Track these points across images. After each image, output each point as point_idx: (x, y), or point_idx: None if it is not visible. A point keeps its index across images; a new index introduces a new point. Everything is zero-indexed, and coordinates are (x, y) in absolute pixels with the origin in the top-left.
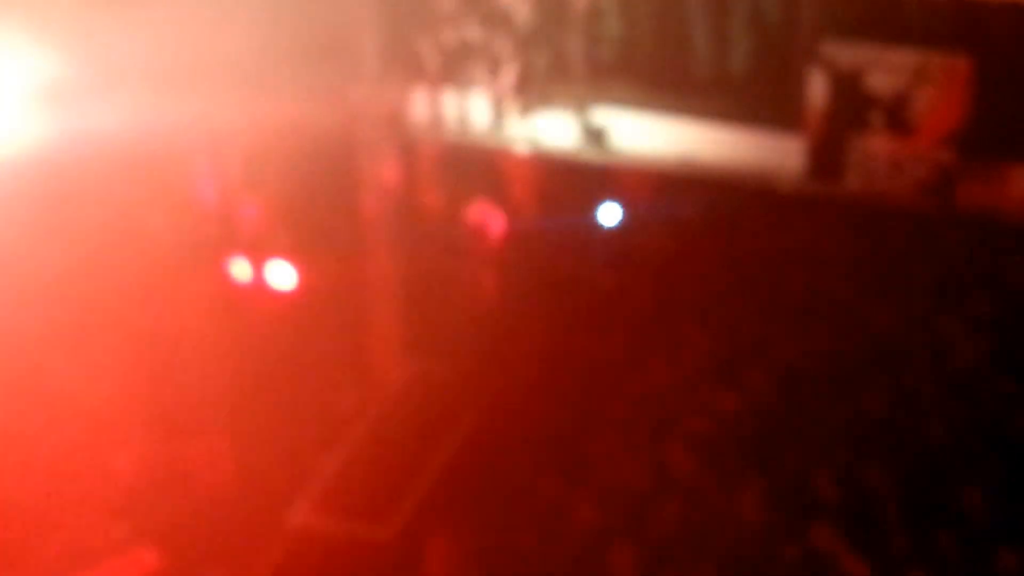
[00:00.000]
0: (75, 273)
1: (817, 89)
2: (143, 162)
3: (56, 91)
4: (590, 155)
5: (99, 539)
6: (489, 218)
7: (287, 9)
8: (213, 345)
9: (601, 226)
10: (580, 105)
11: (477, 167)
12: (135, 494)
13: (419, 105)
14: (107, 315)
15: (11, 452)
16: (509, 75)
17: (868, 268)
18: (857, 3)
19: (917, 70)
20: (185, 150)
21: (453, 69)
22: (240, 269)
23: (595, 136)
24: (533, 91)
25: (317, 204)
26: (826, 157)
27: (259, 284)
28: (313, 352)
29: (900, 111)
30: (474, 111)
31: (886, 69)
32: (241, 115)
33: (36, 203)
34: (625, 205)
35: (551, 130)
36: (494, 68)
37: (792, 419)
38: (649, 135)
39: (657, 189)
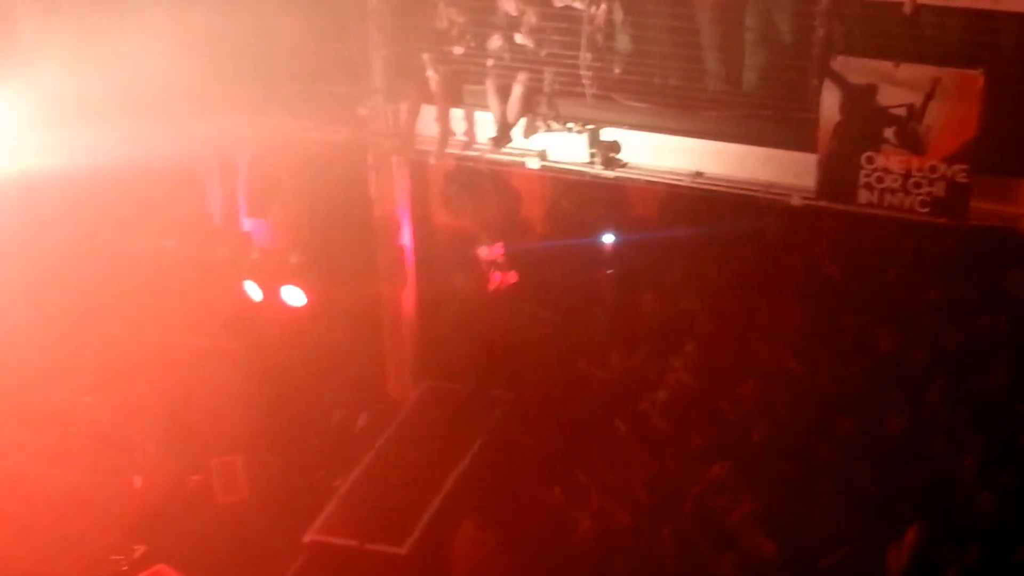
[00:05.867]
0: (89, 294)
1: (829, 105)
2: (154, 182)
3: (70, 111)
4: (600, 172)
5: (118, 559)
6: (499, 235)
7: (294, 27)
8: (228, 364)
9: (611, 243)
10: (590, 121)
11: (486, 184)
12: (153, 513)
13: (427, 122)
14: (122, 335)
15: (30, 472)
16: (518, 91)
17: (879, 284)
18: (869, 18)
19: (930, 85)
20: (195, 170)
21: (462, 85)
22: (253, 288)
23: (605, 153)
24: (542, 107)
25: (327, 222)
26: (838, 173)
27: (272, 303)
28: (328, 371)
29: (913, 126)
30: (483, 128)
31: (899, 84)
32: (250, 134)
33: (51, 223)
34: (635, 222)
35: (561, 147)
36: (503, 84)
37: (797, 439)
38: (659, 151)
39: (667, 205)
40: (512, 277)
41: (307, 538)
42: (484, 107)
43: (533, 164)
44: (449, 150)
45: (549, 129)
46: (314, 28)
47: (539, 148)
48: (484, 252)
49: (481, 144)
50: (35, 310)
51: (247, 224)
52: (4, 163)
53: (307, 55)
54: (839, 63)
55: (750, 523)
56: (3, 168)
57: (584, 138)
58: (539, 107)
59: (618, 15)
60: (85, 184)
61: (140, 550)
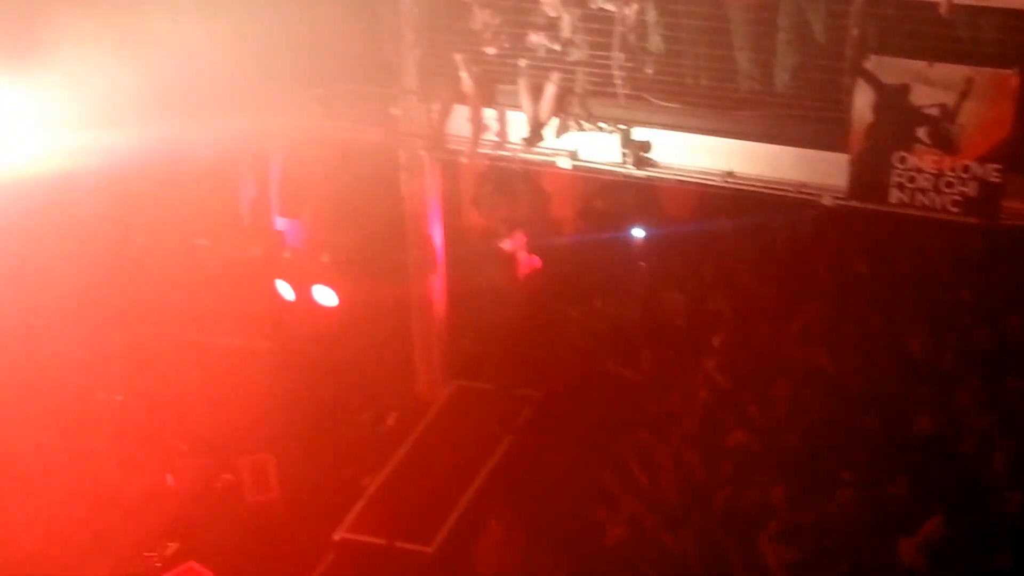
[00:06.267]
0: (122, 292)
1: (862, 104)
2: (188, 181)
3: (105, 110)
4: (631, 171)
5: (150, 557)
6: (530, 235)
7: (327, 27)
8: (259, 363)
9: (642, 242)
10: (622, 121)
11: (518, 183)
12: (184, 511)
13: (460, 122)
14: (155, 333)
15: (64, 470)
16: (551, 91)
17: (911, 284)
18: (903, 18)
19: (964, 85)
20: (230, 172)
21: (494, 85)
22: (285, 288)
23: (637, 152)
24: (575, 107)
25: (358, 221)
26: (870, 173)
27: (304, 302)
28: (358, 371)
29: (946, 126)
30: (515, 127)
31: (932, 84)
32: (283, 134)
33: (86, 221)
34: (666, 221)
35: (592, 146)
36: (535, 84)
37: (827, 437)
38: (691, 151)
39: (698, 205)
40: (540, 272)
41: (336, 536)
42: (516, 107)
43: (565, 164)
44: (481, 150)
45: (581, 129)
46: (347, 28)
47: (571, 148)
48: (514, 247)
49: (513, 144)
50: (69, 308)
51: (279, 223)
52: (41, 162)
53: (340, 55)
54: (872, 62)
55: (778, 527)
56: (40, 167)
57: (616, 138)
58: (571, 107)
59: (651, 15)
60: (120, 183)
61: (172, 547)
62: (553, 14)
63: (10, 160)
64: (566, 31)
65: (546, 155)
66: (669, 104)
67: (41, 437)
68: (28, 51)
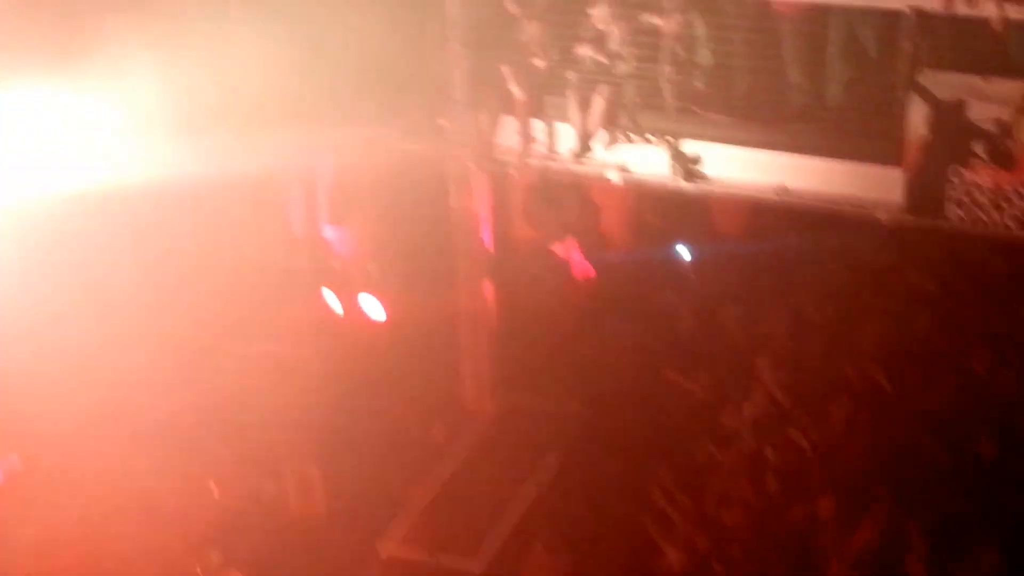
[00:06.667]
0: (171, 301)
1: (917, 120)
2: (239, 194)
3: (157, 122)
4: (681, 184)
5: (192, 567)
6: (580, 248)
7: (376, 40)
8: (306, 374)
9: (693, 256)
10: (671, 134)
11: (567, 196)
12: (228, 521)
13: (508, 133)
14: (203, 342)
15: (111, 478)
16: (600, 103)
17: (969, 302)
18: (958, 32)
19: (1021, 100)
20: (279, 182)
21: (543, 97)
22: (332, 297)
23: (686, 165)
24: (623, 119)
25: (406, 232)
26: (926, 189)
27: (352, 314)
28: (405, 383)
29: (1003, 142)
30: (564, 140)
31: (988, 99)
32: (332, 146)
33: (138, 232)
34: (717, 235)
35: (642, 159)
36: (584, 96)
37: (883, 459)
38: (742, 165)
39: (750, 219)
40: (590, 285)
41: (381, 550)
42: (565, 119)
43: (614, 176)
44: (530, 161)
45: (630, 141)
46: (397, 40)
47: (620, 160)
48: (564, 266)
49: (562, 156)
50: (118, 318)
51: (327, 233)
52: (97, 174)
53: (389, 66)
54: (926, 77)
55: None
56: (96, 179)
57: (665, 151)
58: (620, 119)
59: (699, 28)
60: (170, 193)
61: (215, 557)
62: (602, 27)
63: (65, 172)
64: (615, 44)
65: (595, 168)
66: (719, 117)
67: (89, 445)
68: (80, 62)
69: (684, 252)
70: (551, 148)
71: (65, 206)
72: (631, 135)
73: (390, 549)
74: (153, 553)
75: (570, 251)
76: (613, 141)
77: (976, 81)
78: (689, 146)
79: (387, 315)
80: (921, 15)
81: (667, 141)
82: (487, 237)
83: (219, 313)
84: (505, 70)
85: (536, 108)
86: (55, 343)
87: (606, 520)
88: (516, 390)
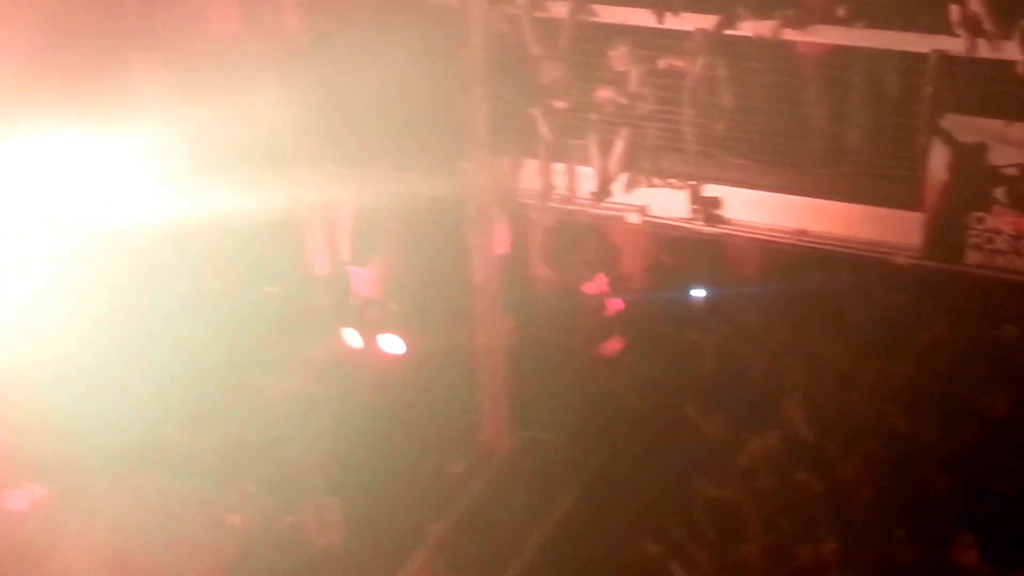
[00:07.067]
0: (192, 336)
1: (937, 163)
2: (262, 233)
3: (179, 160)
4: (701, 228)
5: None
6: (599, 288)
7: (398, 81)
8: (327, 409)
9: (711, 298)
10: (692, 177)
11: (587, 238)
12: (248, 552)
13: (529, 176)
14: (224, 377)
15: (127, 510)
16: (620, 146)
17: (989, 346)
18: (981, 76)
19: None
20: (302, 221)
21: (564, 140)
22: (352, 335)
23: (707, 209)
24: (644, 162)
25: (427, 272)
26: (945, 232)
27: (371, 350)
28: (424, 419)
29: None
30: (584, 182)
31: (1010, 144)
32: (354, 184)
33: (161, 270)
34: (736, 278)
35: (662, 202)
36: (605, 139)
37: (900, 500)
38: (762, 208)
39: (769, 263)
40: (612, 329)
41: None
42: (586, 161)
43: (634, 219)
44: (550, 204)
45: (651, 184)
46: (419, 82)
47: (640, 203)
48: (584, 305)
49: (582, 198)
50: (140, 350)
51: (348, 272)
52: (122, 214)
53: (411, 108)
54: (948, 121)
55: None
56: (121, 219)
57: (685, 194)
58: (641, 162)
59: (721, 71)
60: (193, 229)
61: None
62: (622, 69)
63: (90, 213)
64: (635, 86)
65: (615, 210)
66: (740, 160)
67: (107, 471)
68: (102, 101)
69: (703, 293)
70: (572, 191)
71: (91, 244)
72: (652, 178)
73: None
74: None
75: (599, 287)
76: (634, 184)
77: (998, 125)
78: (710, 189)
79: (407, 352)
80: (944, 58)
81: (688, 184)
82: (507, 278)
83: (242, 348)
84: (527, 113)
85: (558, 151)
86: (81, 375)
87: (623, 557)
88: (534, 427)
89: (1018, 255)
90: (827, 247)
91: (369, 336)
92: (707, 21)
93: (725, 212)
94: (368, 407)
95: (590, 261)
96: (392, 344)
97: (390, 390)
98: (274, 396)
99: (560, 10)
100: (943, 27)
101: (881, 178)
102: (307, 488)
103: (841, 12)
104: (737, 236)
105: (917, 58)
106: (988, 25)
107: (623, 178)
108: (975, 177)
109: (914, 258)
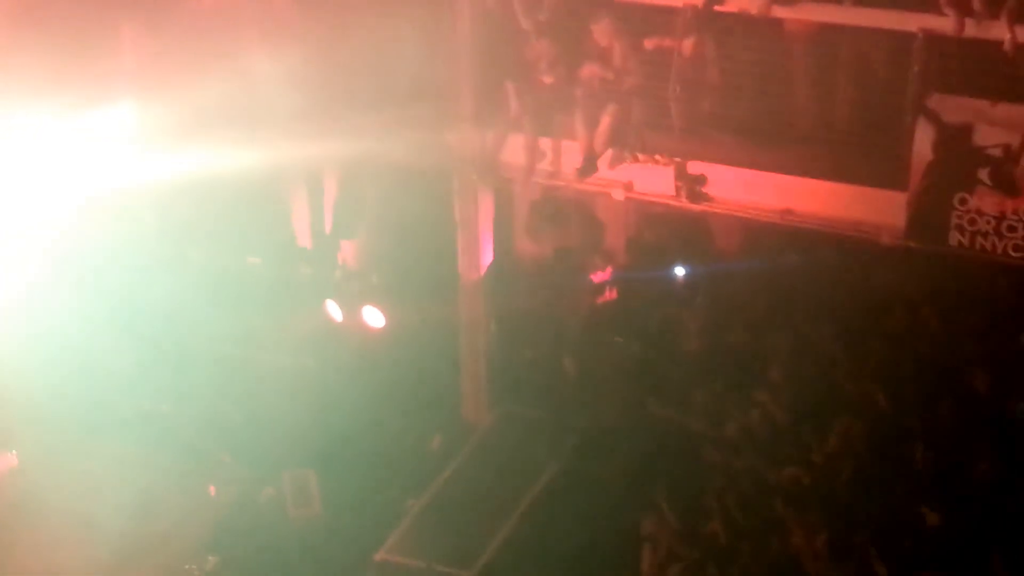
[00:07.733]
0: (173, 306)
1: (922, 143)
2: (244, 204)
3: (166, 127)
4: (686, 204)
5: (191, 568)
6: (581, 263)
7: (384, 54)
8: (307, 382)
9: (694, 275)
10: (677, 154)
11: (571, 213)
12: (225, 524)
13: (514, 150)
14: (205, 348)
15: (108, 477)
16: (606, 122)
17: (970, 327)
18: (967, 56)
19: None
20: (285, 193)
21: (549, 114)
22: (334, 308)
23: (691, 186)
24: (630, 138)
25: (410, 245)
26: (929, 213)
27: (352, 323)
28: (403, 391)
29: (1008, 167)
30: (569, 157)
31: (996, 124)
32: (338, 156)
33: (140, 235)
34: (719, 256)
35: (647, 178)
36: (591, 114)
37: (881, 478)
38: (746, 186)
39: (753, 240)
40: (593, 304)
41: (377, 557)
42: (571, 136)
43: (618, 195)
44: (535, 178)
45: (636, 160)
46: (404, 55)
47: (625, 179)
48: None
49: (567, 173)
50: (120, 319)
51: (331, 244)
52: (104, 181)
53: (397, 81)
54: (934, 100)
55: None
56: (104, 186)
57: (671, 170)
58: (626, 138)
59: (708, 49)
60: (176, 199)
61: (212, 560)
62: (605, 43)
63: (73, 180)
64: (619, 61)
65: (600, 186)
66: (725, 138)
67: (87, 442)
68: (91, 67)
69: (687, 272)
70: (557, 165)
71: (73, 213)
72: (637, 154)
73: (386, 554)
74: (150, 555)
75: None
76: (619, 160)
77: (984, 105)
78: (695, 166)
79: (388, 325)
80: (932, 37)
81: (673, 161)
82: (490, 252)
83: (222, 320)
84: (512, 86)
85: (543, 125)
86: (58, 344)
87: (601, 531)
88: (514, 401)
89: (1000, 237)
90: (811, 226)
91: (351, 309)
92: None
93: (710, 190)
94: (349, 380)
95: (572, 236)
96: (374, 317)
97: (371, 363)
98: (255, 367)
99: None
100: (930, 6)
101: (866, 157)
102: (286, 460)
103: None
104: (721, 214)
105: (904, 37)
106: (975, 4)
107: (608, 154)
108: (960, 157)
109: (898, 238)
